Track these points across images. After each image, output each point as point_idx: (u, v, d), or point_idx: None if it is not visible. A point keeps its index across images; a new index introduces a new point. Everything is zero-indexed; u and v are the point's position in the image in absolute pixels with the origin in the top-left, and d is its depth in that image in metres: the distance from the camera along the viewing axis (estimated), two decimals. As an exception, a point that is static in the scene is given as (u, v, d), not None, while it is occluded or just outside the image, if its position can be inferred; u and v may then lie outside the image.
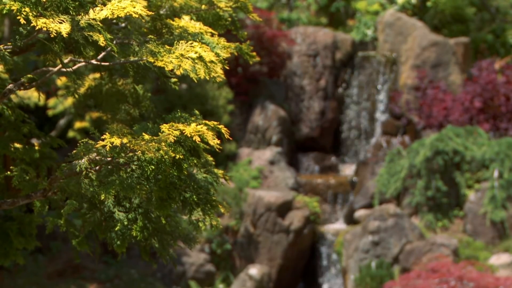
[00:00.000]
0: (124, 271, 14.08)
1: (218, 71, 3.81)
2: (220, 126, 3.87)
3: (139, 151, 3.66)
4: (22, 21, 3.43)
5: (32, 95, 13.51)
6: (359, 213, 15.26)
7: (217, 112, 16.18)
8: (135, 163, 3.79)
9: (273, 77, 17.77)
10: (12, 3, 3.41)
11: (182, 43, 3.85)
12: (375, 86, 17.94)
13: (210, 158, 4.43)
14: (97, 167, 3.89)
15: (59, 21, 3.49)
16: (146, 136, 3.75)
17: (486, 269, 13.10)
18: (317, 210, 15.40)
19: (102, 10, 3.63)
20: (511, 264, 13.69)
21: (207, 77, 3.74)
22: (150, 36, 4.17)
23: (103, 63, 4.01)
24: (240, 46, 4.51)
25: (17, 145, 4.57)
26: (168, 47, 3.83)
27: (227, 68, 3.97)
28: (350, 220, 15.61)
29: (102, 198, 3.72)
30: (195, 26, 4.32)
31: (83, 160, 3.85)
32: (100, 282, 13.77)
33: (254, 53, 4.64)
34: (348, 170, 17.35)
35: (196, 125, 3.77)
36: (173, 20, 4.40)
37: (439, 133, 15.50)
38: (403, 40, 17.78)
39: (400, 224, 14.17)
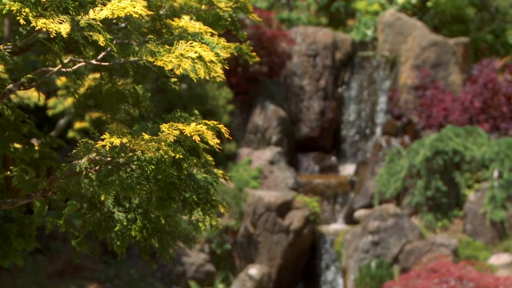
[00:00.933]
0: (124, 271, 14.08)
1: (218, 71, 3.81)
2: (220, 126, 3.87)
3: (139, 151, 3.66)
4: (22, 21, 3.43)
5: (32, 95, 13.51)
6: (359, 213, 15.26)
7: (217, 112, 16.18)
8: (135, 163, 3.79)
9: (273, 77, 17.78)
10: (12, 3, 3.41)
11: (182, 43, 3.85)
12: (375, 86, 17.94)
13: (210, 158, 4.43)
14: (97, 167, 3.89)
15: (59, 21, 3.49)
16: (146, 136, 3.75)
17: (486, 269, 13.10)
18: (317, 210, 15.40)
19: (102, 10, 3.63)
20: (511, 264, 13.69)
21: (207, 77, 3.74)
22: (150, 36, 4.17)
23: (103, 63, 4.01)
24: (240, 46, 4.51)
25: (17, 145, 4.57)
26: (168, 47, 3.83)
27: (227, 68, 3.97)
28: (350, 220, 15.61)
29: (102, 198, 3.72)
30: (195, 26, 4.32)
31: (83, 160, 3.85)
32: (100, 282, 13.77)
33: (254, 53, 4.64)
34: (348, 170, 17.35)
35: (196, 125, 3.77)
36: (173, 20, 4.40)
37: (439, 133, 15.50)
38: (403, 40, 17.78)
39: (400, 224, 14.17)
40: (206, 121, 3.85)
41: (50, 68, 4.16)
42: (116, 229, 4.08)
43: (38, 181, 4.17)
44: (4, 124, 4.59)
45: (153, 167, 3.71)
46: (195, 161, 3.83)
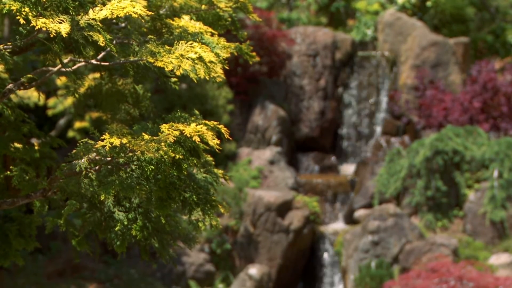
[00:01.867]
0: (124, 271, 14.08)
1: (218, 71, 3.81)
2: (220, 126, 3.87)
3: (139, 151, 3.66)
4: (22, 21, 3.43)
5: (32, 95, 13.51)
6: (359, 213, 15.26)
7: (217, 112, 16.18)
8: (135, 163, 3.79)
9: (273, 77, 17.77)
10: (12, 3, 3.41)
11: (182, 43, 3.85)
12: (374, 86, 17.94)
13: (209, 158, 4.43)
14: (97, 167, 3.89)
15: (59, 21, 3.49)
16: (146, 136, 3.75)
17: (485, 269, 13.10)
18: (317, 210, 15.40)
19: (101, 10, 3.63)
20: (510, 264, 13.69)
21: (207, 77, 3.74)
22: (150, 36, 4.17)
23: (103, 63, 4.01)
24: (240, 46, 4.51)
25: (17, 145, 4.57)
26: (168, 47, 3.83)
27: (227, 68, 3.97)
28: (350, 220, 15.61)
29: (102, 198, 3.71)
30: (195, 26, 4.31)
31: (83, 160, 3.85)
32: (100, 282, 13.77)
33: (254, 53, 4.63)
34: (348, 170, 17.35)
35: (196, 125, 3.77)
36: (173, 20, 4.39)
37: (438, 133, 15.50)
38: (403, 40, 17.78)
39: (400, 224, 14.17)
40: (206, 122, 3.85)
41: (50, 68, 4.16)
42: (116, 228, 4.08)
43: (38, 181, 4.17)
44: (4, 124, 4.59)
45: (153, 167, 3.71)
46: (195, 161, 3.83)
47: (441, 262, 12.77)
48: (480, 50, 19.01)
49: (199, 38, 4.14)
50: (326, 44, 18.02)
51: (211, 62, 3.75)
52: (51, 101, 14.21)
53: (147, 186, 3.78)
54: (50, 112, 14.41)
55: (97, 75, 5.26)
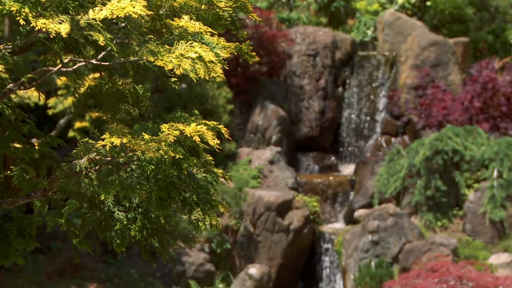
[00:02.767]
0: (124, 271, 14.08)
1: (218, 71, 3.82)
2: (219, 126, 3.87)
3: (139, 151, 3.67)
4: (22, 21, 3.43)
5: (32, 95, 13.51)
6: (359, 213, 15.26)
7: (217, 112, 16.19)
8: (135, 163, 3.79)
9: (273, 77, 17.78)
10: (11, 3, 3.41)
11: (182, 43, 3.86)
12: (374, 86, 17.95)
13: (209, 158, 4.43)
14: (97, 167, 3.90)
15: (59, 21, 3.49)
16: (146, 136, 3.75)
17: (485, 269, 13.10)
18: (317, 210, 15.41)
19: (101, 10, 3.63)
20: (510, 263, 13.69)
21: (207, 77, 3.75)
22: (150, 36, 4.17)
23: (103, 63, 4.01)
24: (240, 46, 4.51)
25: (17, 145, 4.57)
26: (168, 47, 3.83)
27: (227, 68, 3.98)
28: (350, 219, 15.61)
29: (102, 197, 3.72)
30: (195, 26, 4.32)
31: (83, 160, 3.86)
32: (100, 282, 13.78)
33: (254, 53, 4.64)
34: (347, 169, 17.36)
35: (196, 125, 3.77)
36: (173, 20, 4.40)
37: (438, 132, 15.50)
38: (403, 40, 17.78)
39: (400, 224, 14.18)
40: (206, 122, 3.86)
41: (50, 68, 4.17)
42: (116, 228, 4.09)
43: (38, 180, 4.17)
44: (4, 124, 4.59)
45: (153, 167, 3.72)
46: (195, 161, 3.84)
47: (440, 261, 12.77)
48: (480, 50, 19.01)
49: (199, 38, 4.14)
50: (326, 44, 18.03)
51: (211, 62, 3.76)
52: (51, 101, 14.21)
53: (147, 186, 3.79)
54: (50, 112, 14.41)
55: (97, 75, 5.26)
